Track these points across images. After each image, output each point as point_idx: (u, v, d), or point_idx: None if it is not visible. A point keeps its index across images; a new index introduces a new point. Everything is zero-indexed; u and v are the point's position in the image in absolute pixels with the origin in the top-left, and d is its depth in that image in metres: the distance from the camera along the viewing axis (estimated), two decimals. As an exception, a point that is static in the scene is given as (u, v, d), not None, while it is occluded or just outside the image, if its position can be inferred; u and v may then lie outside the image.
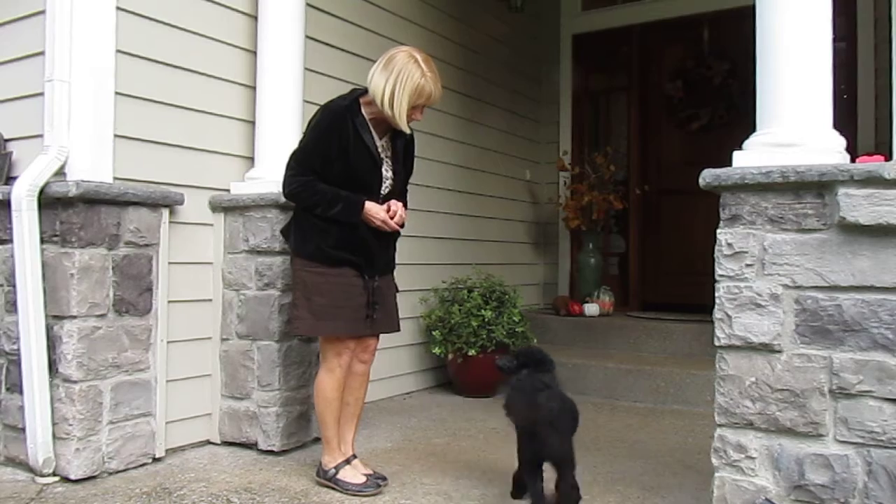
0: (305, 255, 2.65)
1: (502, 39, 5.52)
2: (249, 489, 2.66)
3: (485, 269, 4.73)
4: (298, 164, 2.61)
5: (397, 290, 2.85)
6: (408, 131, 2.66)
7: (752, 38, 2.35)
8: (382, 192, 2.68)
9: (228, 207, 3.23)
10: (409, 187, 2.87)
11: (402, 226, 2.70)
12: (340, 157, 2.56)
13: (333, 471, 2.66)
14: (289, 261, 3.11)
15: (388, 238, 2.72)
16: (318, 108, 2.68)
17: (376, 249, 2.67)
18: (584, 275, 5.63)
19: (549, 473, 2.39)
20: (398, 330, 2.84)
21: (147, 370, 2.92)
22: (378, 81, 2.54)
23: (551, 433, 2.33)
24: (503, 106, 5.53)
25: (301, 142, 2.66)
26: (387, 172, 2.68)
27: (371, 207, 2.60)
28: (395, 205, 2.65)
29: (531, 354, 2.50)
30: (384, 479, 2.70)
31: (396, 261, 2.85)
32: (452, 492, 2.65)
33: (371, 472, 2.72)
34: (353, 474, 2.66)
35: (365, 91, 2.62)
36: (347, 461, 2.70)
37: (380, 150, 2.65)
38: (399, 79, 2.51)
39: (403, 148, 2.74)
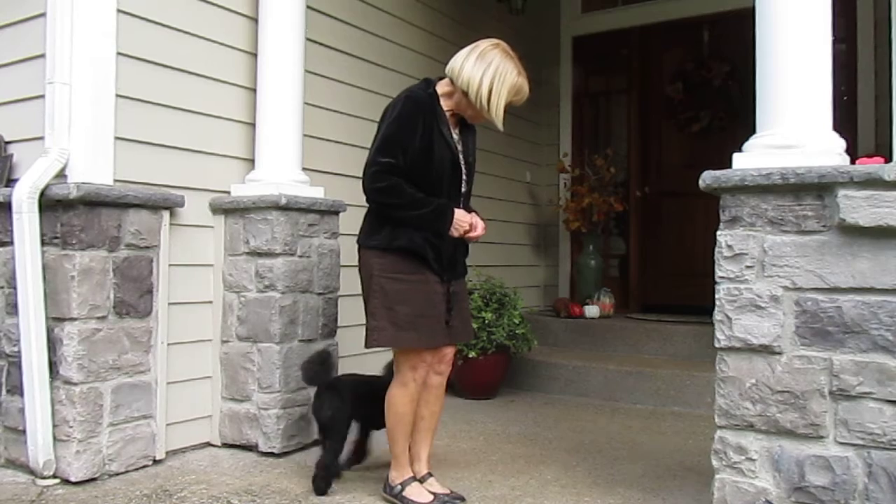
0: (391, 248, 2.41)
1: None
2: (250, 491, 2.66)
3: (485, 271, 4.72)
4: (382, 157, 2.37)
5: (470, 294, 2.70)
6: (502, 129, 2.47)
7: (752, 39, 2.35)
8: (462, 189, 2.53)
9: (229, 209, 3.23)
10: None
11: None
12: (424, 150, 2.38)
13: (399, 487, 2.53)
14: (289, 263, 3.13)
15: (464, 243, 2.60)
16: (394, 98, 2.49)
17: (454, 251, 2.53)
18: (585, 276, 5.63)
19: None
20: (473, 338, 2.66)
21: (147, 372, 2.92)
22: (473, 74, 2.37)
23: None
24: (503, 108, 5.52)
25: (379, 135, 2.43)
26: (464, 168, 2.53)
27: (460, 213, 2.44)
28: (475, 217, 2.52)
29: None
30: (462, 498, 2.55)
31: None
32: (453, 494, 2.65)
33: (447, 490, 2.57)
34: (420, 492, 2.51)
35: (439, 80, 2.47)
36: (415, 478, 2.56)
37: (457, 143, 2.50)
38: (497, 74, 2.36)
39: (473, 143, 2.60)
